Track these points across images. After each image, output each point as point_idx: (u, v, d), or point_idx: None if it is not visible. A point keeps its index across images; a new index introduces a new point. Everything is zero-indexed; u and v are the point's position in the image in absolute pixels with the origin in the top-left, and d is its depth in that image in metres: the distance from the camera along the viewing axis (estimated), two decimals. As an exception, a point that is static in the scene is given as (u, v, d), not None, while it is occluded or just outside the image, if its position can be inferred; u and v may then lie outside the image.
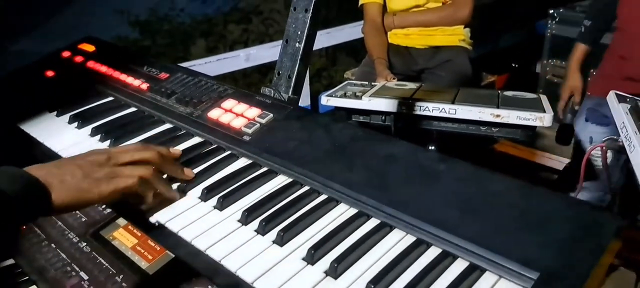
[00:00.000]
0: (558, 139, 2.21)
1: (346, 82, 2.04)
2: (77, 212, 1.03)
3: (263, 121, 0.87)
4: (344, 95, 1.73)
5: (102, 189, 0.68)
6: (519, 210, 0.62)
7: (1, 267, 0.99)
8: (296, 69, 0.97)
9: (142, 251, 0.96)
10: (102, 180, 0.69)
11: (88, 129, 0.96)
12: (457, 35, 2.30)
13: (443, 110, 1.53)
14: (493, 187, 0.66)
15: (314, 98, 3.04)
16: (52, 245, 1.01)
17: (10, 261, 1.00)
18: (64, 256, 0.98)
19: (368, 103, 1.64)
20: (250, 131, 0.86)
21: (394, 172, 0.71)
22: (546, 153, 2.69)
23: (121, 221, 1.05)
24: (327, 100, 1.73)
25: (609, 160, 1.55)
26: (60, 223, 1.06)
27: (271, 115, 0.88)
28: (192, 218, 0.71)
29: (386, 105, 1.62)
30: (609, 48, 2.12)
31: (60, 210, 0.67)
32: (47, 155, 0.92)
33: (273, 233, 0.67)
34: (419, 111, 1.56)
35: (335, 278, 0.60)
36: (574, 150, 2.23)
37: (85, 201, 0.68)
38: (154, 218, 0.72)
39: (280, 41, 1.01)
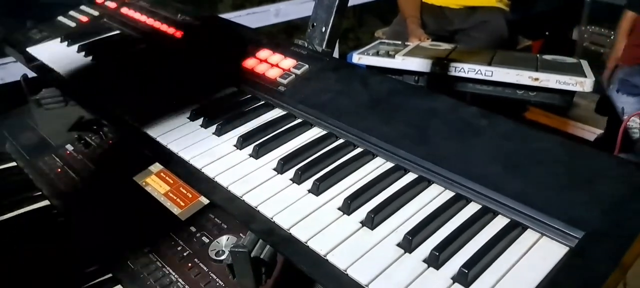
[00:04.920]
0: (598, 109, 2.14)
1: (378, 41, 2.00)
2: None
3: (298, 72, 0.85)
4: (376, 54, 1.70)
5: None
6: (563, 168, 0.59)
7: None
8: (331, 21, 0.95)
9: (175, 198, 0.98)
10: None
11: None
12: (494, -5, 2.22)
13: (479, 72, 1.49)
14: (536, 144, 0.64)
15: (342, 58, 3.00)
16: (88, 187, 1.03)
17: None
18: (100, 199, 1.00)
19: (401, 62, 1.61)
20: (285, 82, 0.84)
21: (433, 127, 0.70)
22: (578, 123, 2.60)
23: (154, 168, 1.06)
24: (359, 59, 1.70)
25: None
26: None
27: (307, 66, 0.86)
28: (228, 166, 0.70)
29: (420, 65, 1.58)
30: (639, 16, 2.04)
31: None
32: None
33: (309, 183, 0.66)
34: (453, 72, 1.52)
35: (372, 228, 0.59)
36: (608, 121, 2.17)
37: None
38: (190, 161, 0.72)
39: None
